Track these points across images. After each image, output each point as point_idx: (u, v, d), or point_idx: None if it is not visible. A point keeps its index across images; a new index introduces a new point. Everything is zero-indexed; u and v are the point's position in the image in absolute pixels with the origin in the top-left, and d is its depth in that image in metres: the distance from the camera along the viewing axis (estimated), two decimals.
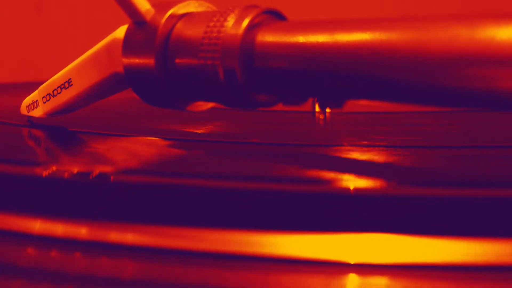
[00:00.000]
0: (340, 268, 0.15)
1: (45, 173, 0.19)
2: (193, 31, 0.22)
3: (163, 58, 0.22)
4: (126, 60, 0.23)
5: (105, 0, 0.31)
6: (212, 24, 0.21)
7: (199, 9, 0.23)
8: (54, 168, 0.20)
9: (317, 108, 0.31)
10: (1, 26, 0.69)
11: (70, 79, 0.26)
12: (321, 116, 0.31)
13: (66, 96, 0.26)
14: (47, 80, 0.27)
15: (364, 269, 0.14)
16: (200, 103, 0.24)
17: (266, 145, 0.24)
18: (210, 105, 0.25)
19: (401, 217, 0.16)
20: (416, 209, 0.17)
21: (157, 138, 0.25)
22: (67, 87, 0.26)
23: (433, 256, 0.15)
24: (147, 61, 0.22)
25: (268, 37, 0.20)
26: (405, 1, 0.61)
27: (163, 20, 0.22)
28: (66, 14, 0.69)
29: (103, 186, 0.19)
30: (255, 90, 0.21)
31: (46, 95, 0.27)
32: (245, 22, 0.21)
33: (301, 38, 0.20)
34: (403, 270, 0.14)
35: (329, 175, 0.19)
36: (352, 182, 0.18)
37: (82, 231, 0.17)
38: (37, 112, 0.27)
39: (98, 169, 0.20)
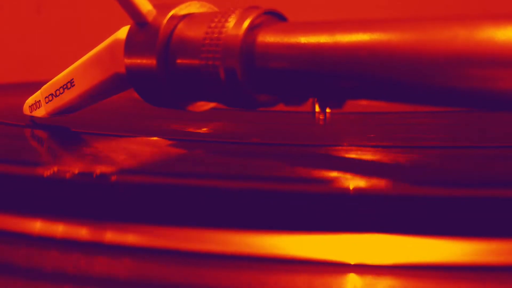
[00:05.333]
0: (340, 268, 0.15)
1: (47, 173, 0.20)
2: (195, 32, 0.22)
3: (165, 58, 0.22)
4: (128, 61, 0.23)
5: (106, 0, 0.31)
6: (213, 25, 0.21)
7: (201, 10, 0.23)
8: (56, 168, 0.20)
9: (317, 108, 0.31)
10: (1, 26, 0.69)
11: (73, 79, 0.26)
12: (321, 116, 0.31)
13: (68, 96, 0.26)
14: (47, 80, 0.27)
15: (364, 269, 0.15)
16: (201, 103, 0.24)
17: (266, 145, 0.24)
18: (211, 105, 0.25)
19: (401, 217, 0.16)
20: (415, 209, 0.17)
21: (158, 139, 0.25)
22: (70, 88, 0.26)
23: (433, 256, 0.15)
24: (149, 61, 0.22)
25: (268, 38, 0.21)
26: (405, 1, 0.61)
27: (165, 21, 0.22)
28: (66, 14, 0.69)
29: (105, 187, 0.19)
30: (255, 90, 0.21)
31: (48, 95, 0.27)
32: (246, 23, 0.21)
33: (302, 39, 0.20)
34: (402, 271, 0.14)
35: (329, 175, 0.19)
36: (351, 182, 0.18)
37: (84, 232, 0.17)
38: (40, 112, 0.27)
39: (100, 170, 0.20)
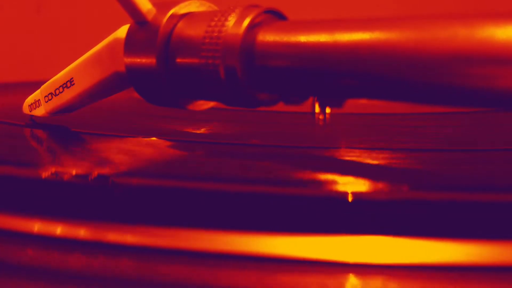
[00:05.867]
0: (339, 269, 0.15)
1: (46, 173, 0.20)
2: (194, 31, 0.22)
3: (165, 57, 0.22)
4: (127, 60, 0.23)
5: (106, 0, 0.31)
6: (213, 23, 0.21)
7: (200, 9, 0.23)
8: (56, 168, 0.20)
9: (317, 109, 0.31)
10: (1, 26, 0.69)
11: (72, 78, 0.26)
12: (321, 117, 0.31)
13: (68, 95, 0.26)
14: (47, 79, 0.27)
15: (363, 270, 0.15)
16: (201, 102, 0.24)
17: (266, 147, 0.24)
18: (211, 104, 0.25)
19: (400, 219, 0.16)
20: (414, 211, 0.17)
21: (157, 139, 0.25)
22: (69, 87, 0.26)
23: (430, 257, 0.15)
24: (149, 60, 0.22)
25: (268, 37, 0.21)
26: (405, 1, 0.61)
27: (165, 19, 0.22)
28: (66, 14, 0.69)
29: (104, 187, 0.19)
30: (255, 89, 0.21)
31: (48, 94, 0.27)
32: (246, 22, 0.21)
33: (302, 38, 0.20)
34: (401, 271, 0.14)
35: (328, 176, 0.19)
36: (351, 184, 0.18)
37: (83, 232, 0.17)
38: (39, 111, 0.27)
39: (99, 170, 0.20)
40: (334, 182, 0.19)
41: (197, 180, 0.19)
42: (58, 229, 0.17)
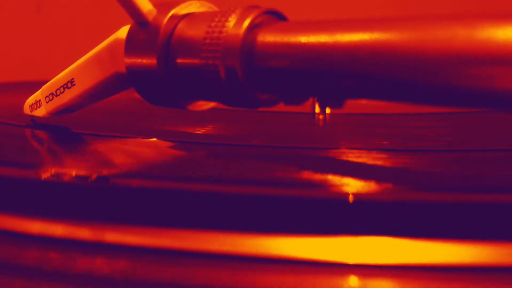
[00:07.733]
0: (339, 270, 0.15)
1: (47, 174, 0.20)
2: (195, 31, 0.22)
3: (165, 58, 0.22)
4: (128, 60, 0.23)
5: (106, 0, 0.31)
6: (213, 24, 0.21)
7: (201, 9, 0.23)
8: (56, 169, 0.20)
9: (317, 109, 0.31)
10: (1, 26, 0.69)
11: (73, 79, 0.26)
12: (321, 117, 0.31)
13: (69, 95, 0.26)
14: (48, 79, 0.27)
15: (363, 271, 0.15)
16: (201, 102, 0.24)
17: (266, 147, 0.24)
18: (212, 104, 0.25)
19: (400, 220, 0.16)
20: (414, 211, 0.17)
21: (158, 140, 0.25)
22: (70, 87, 0.26)
23: (430, 258, 0.15)
24: (149, 61, 0.23)
25: (269, 37, 0.21)
26: (405, 1, 0.61)
27: (165, 20, 0.22)
28: (66, 14, 0.69)
29: (105, 188, 0.19)
30: (256, 89, 0.21)
31: (49, 95, 0.27)
32: (246, 22, 0.21)
33: (302, 38, 0.20)
34: (400, 272, 0.14)
35: (328, 177, 0.19)
36: (351, 184, 0.18)
37: (84, 233, 0.17)
38: (40, 112, 0.27)
39: (100, 171, 0.20)
40: (333, 183, 0.19)
41: (197, 181, 0.19)
42: (59, 230, 0.17)
